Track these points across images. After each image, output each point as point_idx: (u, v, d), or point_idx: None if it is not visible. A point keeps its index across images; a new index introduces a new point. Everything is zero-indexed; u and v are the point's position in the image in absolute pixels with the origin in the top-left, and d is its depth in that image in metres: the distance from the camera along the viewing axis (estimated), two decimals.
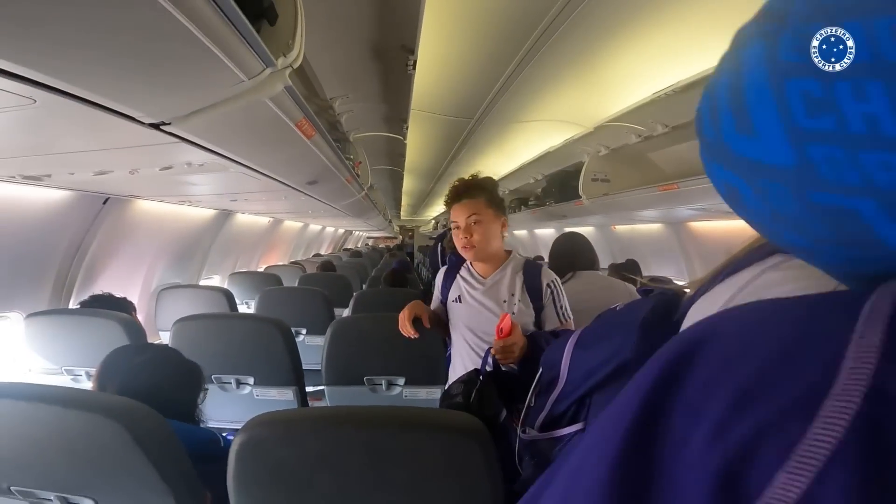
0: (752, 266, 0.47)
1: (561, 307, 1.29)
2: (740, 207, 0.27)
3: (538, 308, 1.28)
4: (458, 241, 1.29)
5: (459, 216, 1.27)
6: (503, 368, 1.15)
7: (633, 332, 0.60)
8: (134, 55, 0.64)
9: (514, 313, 1.25)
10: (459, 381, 1.07)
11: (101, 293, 1.79)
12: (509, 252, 1.36)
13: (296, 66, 0.98)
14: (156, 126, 0.85)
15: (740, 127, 0.23)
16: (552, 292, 1.29)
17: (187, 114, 0.85)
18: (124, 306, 1.77)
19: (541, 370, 0.77)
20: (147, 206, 2.29)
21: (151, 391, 0.93)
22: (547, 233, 6.15)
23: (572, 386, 0.68)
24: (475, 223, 1.25)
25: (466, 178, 1.32)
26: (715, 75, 0.26)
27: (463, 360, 1.36)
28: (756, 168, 0.23)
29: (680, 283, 3.73)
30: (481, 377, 1.06)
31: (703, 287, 0.52)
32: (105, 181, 1.49)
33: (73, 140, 0.99)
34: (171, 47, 0.65)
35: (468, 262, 1.37)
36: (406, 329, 1.32)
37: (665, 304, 0.59)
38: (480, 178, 1.32)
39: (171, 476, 0.80)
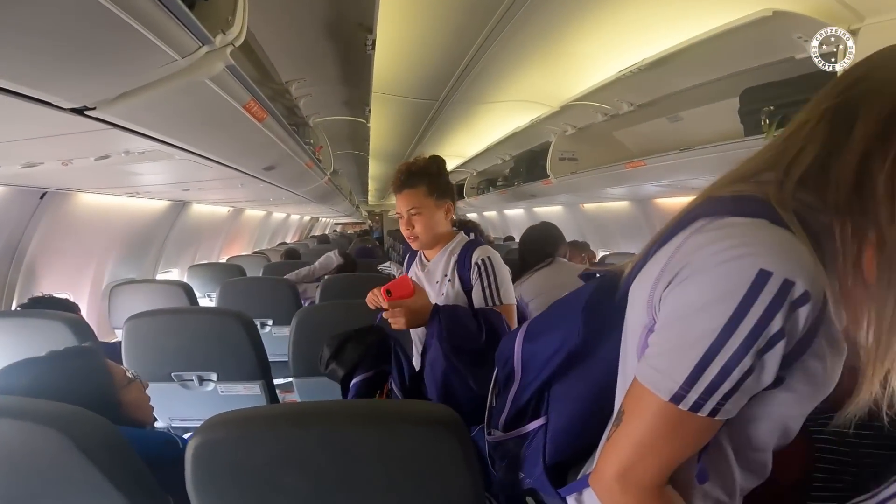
0: (678, 234, 0.48)
1: (488, 286, 1.21)
2: None
3: (468, 289, 1.23)
4: (403, 232, 1.28)
5: (401, 208, 1.25)
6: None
7: (577, 319, 0.60)
8: (43, 33, 0.57)
9: (443, 294, 1.24)
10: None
11: (40, 295, 1.68)
12: (457, 232, 1.33)
13: (237, 43, 0.92)
14: (78, 111, 0.78)
15: None
16: (479, 271, 1.21)
17: (114, 97, 0.77)
18: (68, 307, 1.67)
19: (496, 368, 0.77)
20: (91, 200, 2.16)
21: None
22: (517, 213, 6.19)
23: (527, 379, 0.68)
24: (415, 215, 1.23)
25: (410, 161, 1.28)
26: None
27: (415, 345, 1.36)
28: None
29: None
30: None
31: (638, 265, 0.53)
32: (37, 174, 1.38)
33: None
34: (85, 25, 0.58)
35: None
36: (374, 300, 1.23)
37: (606, 286, 0.60)
38: (422, 162, 1.27)
39: (123, 482, 0.76)
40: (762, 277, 0.39)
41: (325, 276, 2.72)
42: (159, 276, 3.14)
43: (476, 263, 1.21)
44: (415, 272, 1.36)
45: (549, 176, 3.31)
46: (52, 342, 1.41)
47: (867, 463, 0.62)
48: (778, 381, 0.43)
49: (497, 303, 1.19)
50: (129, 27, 0.61)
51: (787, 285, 0.39)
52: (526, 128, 3.36)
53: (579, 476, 0.61)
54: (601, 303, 0.60)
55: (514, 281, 1.75)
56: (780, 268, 0.39)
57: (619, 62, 2.15)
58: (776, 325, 0.39)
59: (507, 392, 0.71)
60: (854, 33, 1.23)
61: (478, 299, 1.21)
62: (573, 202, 4.41)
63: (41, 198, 1.80)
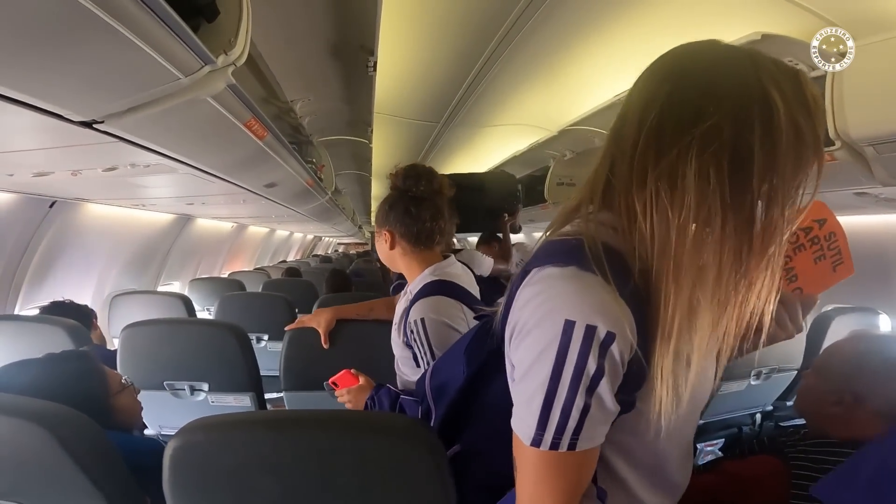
0: (521, 286, 0.51)
1: (423, 356, 1.00)
2: None
3: (409, 346, 1.05)
4: None
5: None
6: None
7: (461, 362, 0.65)
8: (56, 50, 0.63)
9: (392, 339, 1.16)
10: None
11: (62, 299, 1.73)
12: (428, 265, 1.12)
13: (239, 63, 0.97)
14: (87, 125, 0.83)
15: None
16: (413, 335, 1.02)
17: (121, 111, 0.83)
18: (86, 313, 1.71)
19: (420, 405, 0.81)
20: (98, 210, 2.21)
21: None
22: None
23: (439, 412, 0.72)
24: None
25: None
26: None
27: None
28: None
29: None
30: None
31: (503, 310, 0.55)
32: (47, 183, 1.44)
33: (7, 139, 0.95)
34: (95, 43, 0.64)
35: None
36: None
37: (487, 329, 0.63)
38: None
39: (104, 483, 0.77)
40: (569, 326, 0.44)
41: (321, 297, 2.74)
42: (161, 289, 3.18)
43: (409, 325, 1.02)
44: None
45: (546, 201, 3.33)
46: (51, 347, 1.44)
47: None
48: (629, 406, 0.48)
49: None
50: (136, 46, 0.67)
51: (590, 330, 0.43)
52: (525, 152, 3.42)
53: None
54: (481, 346, 0.64)
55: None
56: (580, 316, 0.44)
57: (615, 87, 2.21)
58: (592, 364, 0.44)
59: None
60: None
61: (420, 366, 1.03)
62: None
63: (50, 206, 1.87)
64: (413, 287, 1.09)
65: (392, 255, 1.13)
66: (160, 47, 0.71)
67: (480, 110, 2.91)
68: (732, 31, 1.46)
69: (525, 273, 0.50)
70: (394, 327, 1.16)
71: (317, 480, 0.71)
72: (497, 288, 1.95)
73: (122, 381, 1.08)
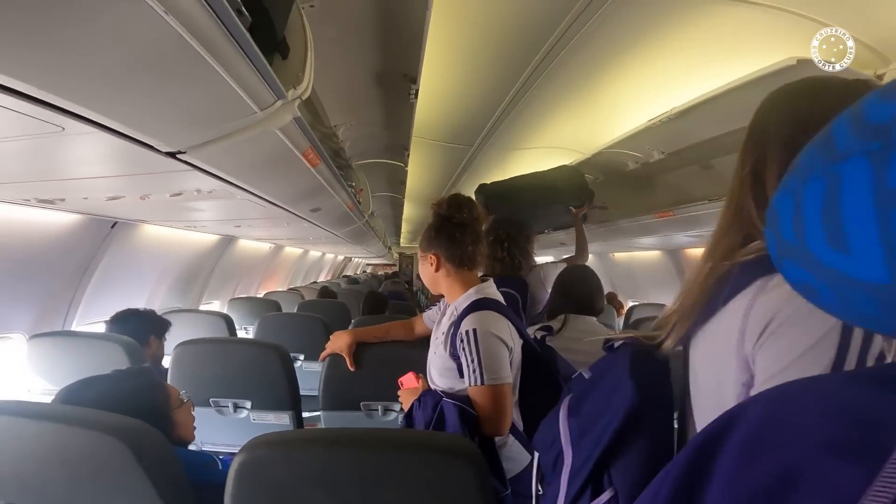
0: (739, 295, 0.51)
1: (470, 363, 1.07)
2: (815, 299, 0.27)
3: (455, 358, 1.13)
4: None
5: None
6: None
7: (625, 381, 0.61)
8: (156, 86, 0.69)
9: (435, 352, 1.23)
10: None
11: (142, 308, 1.86)
12: (472, 286, 1.19)
13: (304, 97, 1.04)
14: (172, 155, 0.90)
15: (832, 241, 0.23)
16: (463, 344, 1.09)
17: (201, 143, 0.89)
18: (162, 325, 1.84)
19: (536, 454, 0.76)
20: (151, 231, 2.33)
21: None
22: (544, 261, 6.16)
23: (583, 456, 0.65)
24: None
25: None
26: (799, 175, 0.26)
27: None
28: (844, 280, 0.23)
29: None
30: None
31: (692, 327, 0.55)
32: (116, 206, 1.54)
33: (91, 166, 1.04)
34: (191, 80, 0.70)
35: None
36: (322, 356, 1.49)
37: (642, 350, 0.62)
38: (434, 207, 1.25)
39: (170, 497, 0.80)
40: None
41: (356, 318, 2.78)
42: (202, 307, 3.29)
43: (461, 335, 1.10)
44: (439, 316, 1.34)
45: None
46: (108, 362, 1.52)
47: None
48: None
49: (478, 382, 1.06)
50: (223, 80, 0.72)
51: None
52: None
53: None
54: (645, 365, 0.62)
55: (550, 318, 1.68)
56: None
57: (648, 111, 2.21)
58: (876, 347, 0.44)
59: (559, 476, 0.67)
60: (880, 77, 1.24)
61: (465, 375, 1.10)
62: (603, 251, 4.37)
63: (112, 227, 1.98)
64: (458, 304, 1.17)
65: (436, 277, 1.22)
66: (243, 81, 0.77)
67: (514, 133, 2.96)
68: (767, 56, 1.45)
69: (741, 285, 0.51)
70: (436, 343, 1.24)
71: (366, 495, 0.73)
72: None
73: (180, 396, 1.12)
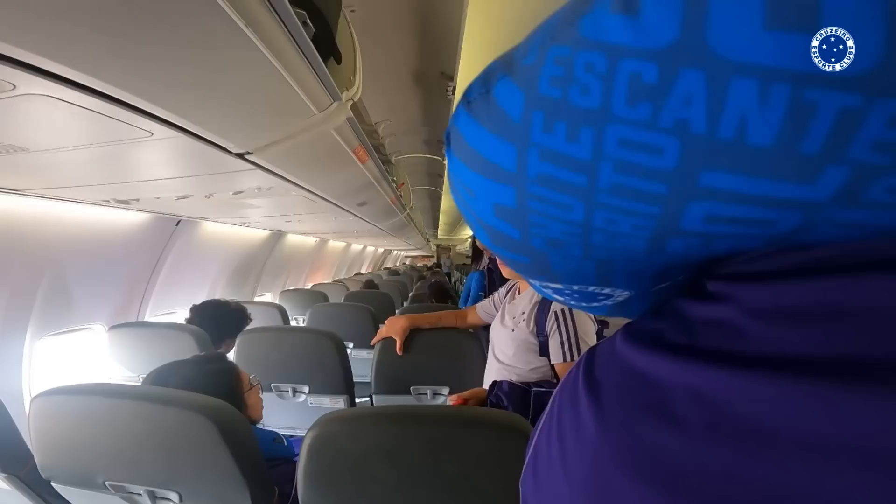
0: None
1: (566, 339, 1.13)
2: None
3: (542, 337, 1.18)
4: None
5: None
6: None
7: None
8: (232, 92, 0.76)
9: (512, 330, 1.23)
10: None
11: (219, 298, 1.98)
12: None
13: (356, 98, 1.09)
14: (241, 156, 0.97)
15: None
16: (557, 320, 1.15)
17: (267, 144, 0.96)
18: (244, 316, 1.94)
19: None
20: (210, 227, 2.48)
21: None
22: None
23: None
24: None
25: None
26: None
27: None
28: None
29: None
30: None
31: None
32: (182, 205, 1.66)
33: (167, 168, 1.13)
34: (262, 85, 0.76)
35: None
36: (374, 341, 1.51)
37: None
38: None
39: (247, 470, 0.86)
40: None
41: (399, 309, 2.87)
42: (256, 299, 3.48)
43: (555, 312, 1.15)
44: (506, 300, 1.37)
45: None
46: (180, 350, 1.65)
47: None
48: None
49: (574, 356, 1.13)
50: (287, 83, 0.78)
51: None
52: None
53: None
54: None
55: None
56: None
57: None
58: None
59: None
60: None
61: (555, 352, 1.15)
62: None
63: (176, 224, 2.14)
64: None
65: None
66: (306, 86, 0.82)
67: None
68: None
69: None
70: (512, 322, 1.25)
71: (428, 468, 0.78)
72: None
73: (251, 379, 1.21)
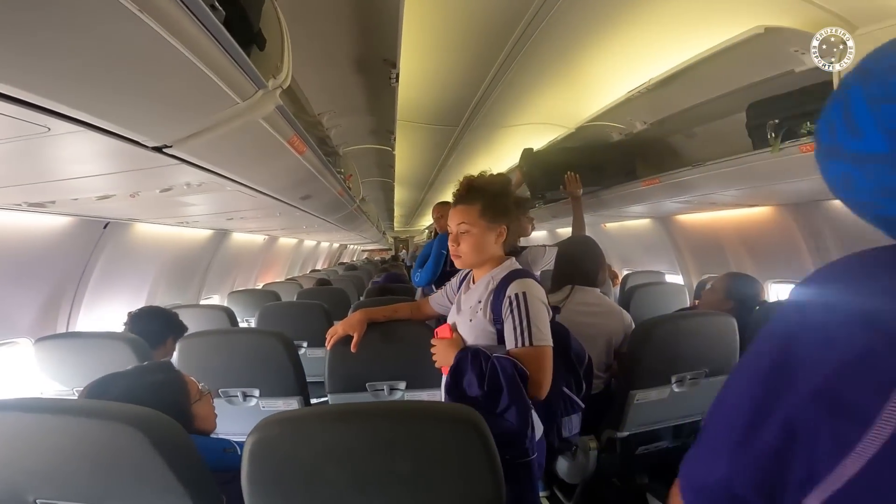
0: None
1: (518, 324, 1.11)
2: (852, 190, 0.38)
3: (499, 325, 1.16)
4: (450, 248, 1.25)
5: (452, 222, 1.24)
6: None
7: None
8: (139, 83, 0.70)
9: (470, 320, 1.22)
10: None
11: (158, 305, 1.87)
12: (507, 256, 1.27)
13: (285, 86, 1.05)
14: (158, 149, 0.91)
15: (851, 132, 0.36)
16: (511, 306, 1.13)
17: (187, 136, 0.91)
18: (181, 327, 1.87)
19: None
20: (146, 229, 2.34)
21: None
22: (540, 235, 6.21)
23: None
24: (464, 233, 1.20)
25: (474, 176, 1.26)
26: (826, 106, 0.40)
27: None
28: (863, 157, 0.36)
29: (671, 277, 3.80)
30: None
31: None
32: (106, 206, 1.55)
33: (79, 166, 1.05)
34: (172, 74, 0.71)
35: None
36: (328, 343, 1.47)
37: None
38: (485, 179, 1.25)
39: (188, 480, 0.82)
40: None
41: (354, 304, 2.84)
42: (202, 302, 3.32)
43: (509, 297, 1.13)
44: (461, 291, 1.36)
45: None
46: (116, 360, 1.55)
47: None
48: None
49: (525, 343, 1.10)
50: (204, 74, 0.74)
51: None
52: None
53: None
54: None
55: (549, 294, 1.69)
56: None
57: (629, 82, 2.23)
58: None
59: None
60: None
61: (508, 337, 1.13)
62: (594, 222, 4.41)
63: (104, 227, 2.00)
64: (495, 275, 1.22)
65: (492, 249, 1.23)
66: (223, 74, 0.78)
67: (498, 111, 2.96)
68: (736, 25, 1.50)
69: None
70: (470, 312, 1.24)
71: (377, 465, 0.77)
72: None
73: (200, 388, 1.16)
